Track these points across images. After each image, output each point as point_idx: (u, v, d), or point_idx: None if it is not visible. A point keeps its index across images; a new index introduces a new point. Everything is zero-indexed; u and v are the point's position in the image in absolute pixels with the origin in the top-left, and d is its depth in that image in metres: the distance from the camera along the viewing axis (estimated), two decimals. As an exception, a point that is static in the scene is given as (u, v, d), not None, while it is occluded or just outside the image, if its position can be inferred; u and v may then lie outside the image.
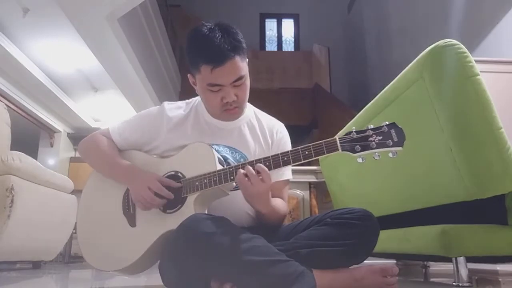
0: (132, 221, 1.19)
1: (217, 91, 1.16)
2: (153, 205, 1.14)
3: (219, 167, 1.13)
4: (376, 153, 1.00)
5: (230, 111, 1.22)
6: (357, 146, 1.00)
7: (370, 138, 1.00)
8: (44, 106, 5.35)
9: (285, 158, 1.06)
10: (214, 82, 1.14)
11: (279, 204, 1.25)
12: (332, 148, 1.02)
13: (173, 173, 1.20)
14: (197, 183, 1.12)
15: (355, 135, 1.02)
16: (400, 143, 0.98)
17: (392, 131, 0.99)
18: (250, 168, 1.05)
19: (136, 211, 1.20)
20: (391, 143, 0.98)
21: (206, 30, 1.14)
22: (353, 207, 1.15)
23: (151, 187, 1.13)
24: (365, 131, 1.01)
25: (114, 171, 1.26)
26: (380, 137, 0.99)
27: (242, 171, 1.06)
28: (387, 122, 1.01)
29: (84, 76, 4.83)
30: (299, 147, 1.06)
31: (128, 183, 1.22)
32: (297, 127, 6.75)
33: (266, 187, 1.07)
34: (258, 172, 1.05)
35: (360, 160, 1.01)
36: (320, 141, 1.03)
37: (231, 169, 1.10)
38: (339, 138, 1.02)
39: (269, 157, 1.07)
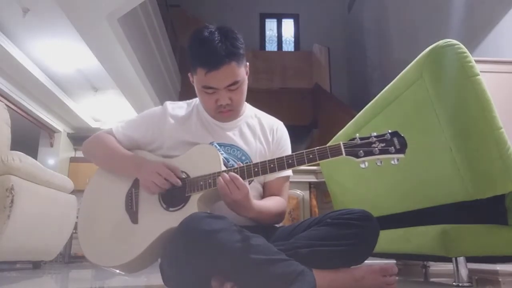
0: (134, 218, 1.19)
1: (211, 93, 1.20)
2: (162, 189, 1.16)
3: (224, 168, 1.15)
4: (379, 160, 1.02)
5: (224, 113, 1.25)
6: (361, 151, 1.03)
7: (373, 145, 1.03)
8: (44, 106, 5.36)
9: (290, 161, 1.08)
10: (208, 85, 1.18)
11: (271, 204, 1.26)
12: (336, 152, 1.04)
13: None
14: (201, 182, 1.14)
15: (358, 141, 1.04)
16: (402, 150, 1.01)
17: (395, 139, 1.03)
18: (226, 175, 1.08)
19: (139, 209, 1.20)
20: (394, 150, 1.01)
21: (206, 33, 1.17)
22: (353, 207, 1.16)
23: (160, 173, 1.15)
24: (368, 137, 1.04)
25: (121, 163, 1.27)
26: (383, 144, 1.02)
27: (221, 180, 1.08)
28: (390, 130, 1.04)
29: (84, 76, 4.83)
30: (304, 150, 1.08)
31: (136, 172, 1.23)
32: (297, 127, 6.77)
33: (243, 195, 1.09)
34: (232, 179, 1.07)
35: (363, 165, 1.03)
36: (325, 146, 1.06)
37: (235, 170, 1.11)
38: (343, 143, 1.04)
39: (273, 159, 1.10)
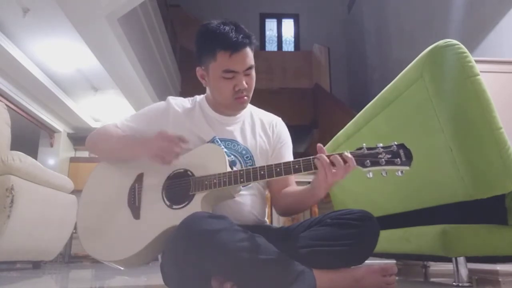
0: (136, 214, 1.19)
1: (230, 78, 1.21)
2: (173, 151, 1.15)
3: (229, 169, 1.15)
4: (384, 170, 1.03)
5: (241, 99, 1.26)
6: (367, 161, 1.03)
7: (380, 155, 1.03)
8: (44, 106, 5.35)
9: (296, 166, 1.08)
10: (230, 68, 1.20)
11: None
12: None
13: (182, 170, 1.21)
14: (206, 182, 1.14)
15: (365, 151, 1.04)
16: (407, 163, 1.02)
17: (401, 151, 1.03)
18: (339, 157, 1.04)
19: (141, 204, 1.20)
20: (399, 162, 1.02)
21: (218, 23, 1.22)
22: (353, 207, 1.16)
23: (163, 137, 1.16)
24: (375, 148, 1.05)
25: (126, 146, 1.27)
26: (389, 156, 1.03)
27: (325, 160, 1.04)
28: (396, 142, 1.04)
29: (84, 76, 4.83)
30: (311, 157, 1.08)
31: (140, 148, 1.23)
32: (297, 127, 6.77)
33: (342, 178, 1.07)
34: (345, 162, 1.04)
35: (369, 175, 1.04)
36: (333, 154, 1.07)
37: (241, 172, 1.12)
38: (350, 152, 1.05)
39: (280, 163, 1.10)
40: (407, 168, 1.02)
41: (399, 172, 1.02)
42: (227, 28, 1.20)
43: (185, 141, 1.18)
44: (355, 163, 1.03)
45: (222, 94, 1.26)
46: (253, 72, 1.26)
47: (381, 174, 1.03)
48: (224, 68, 1.20)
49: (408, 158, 1.02)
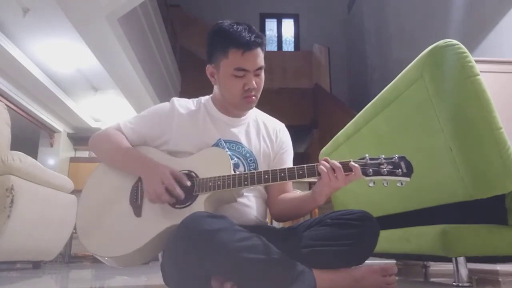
0: (138, 212, 1.19)
1: (241, 76, 1.22)
2: (160, 200, 1.14)
3: (233, 173, 1.16)
4: (386, 180, 1.06)
5: (249, 98, 1.26)
6: (370, 170, 1.06)
7: (382, 166, 1.07)
8: (44, 106, 5.35)
9: (300, 172, 1.10)
10: (242, 67, 1.21)
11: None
12: (347, 169, 1.07)
13: (186, 172, 1.21)
14: (210, 183, 1.14)
15: (368, 161, 1.07)
16: (408, 174, 1.05)
17: (402, 163, 1.07)
18: (338, 163, 1.07)
19: (144, 202, 1.20)
20: (400, 173, 1.05)
21: (231, 23, 1.23)
22: (354, 207, 1.17)
23: (164, 181, 1.14)
24: (377, 158, 1.08)
25: (128, 161, 1.26)
26: (391, 166, 1.06)
27: (327, 164, 1.07)
28: (397, 155, 1.08)
29: (84, 76, 4.83)
30: (315, 163, 1.09)
31: (141, 173, 1.21)
32: (297, 127, 6.77)
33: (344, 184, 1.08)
34: (348, 169, 1.06)
35: (371, 184, 1.07)
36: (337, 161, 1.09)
37: (246, 175, 1.13)
38: (353, 161, 1.07)
39: (284, 169, 1.11)
40: (407, 179, 1.05)
41: (399, 183, 1.06)
42: (240, 27, 1.21)
43: (179, 198, 1.14)
44: (358, 170, 1.06)
45: (231, 92, 1.26)
46: (263, 73, 1.26)
47: (383, 184, 1.06)
48: (236, 66, 1.20)
49: (409, 170, 1.06)
